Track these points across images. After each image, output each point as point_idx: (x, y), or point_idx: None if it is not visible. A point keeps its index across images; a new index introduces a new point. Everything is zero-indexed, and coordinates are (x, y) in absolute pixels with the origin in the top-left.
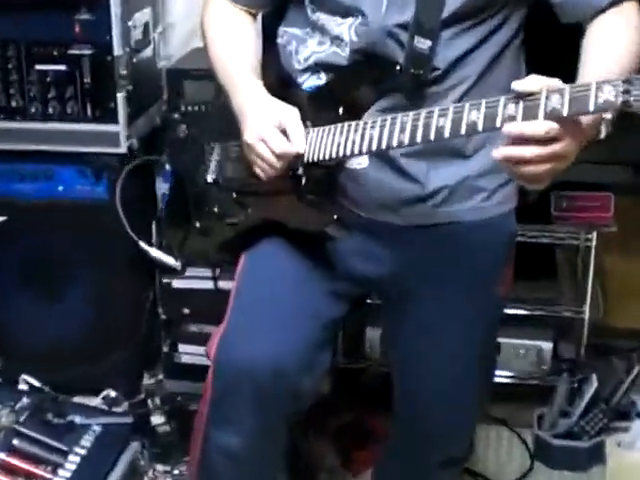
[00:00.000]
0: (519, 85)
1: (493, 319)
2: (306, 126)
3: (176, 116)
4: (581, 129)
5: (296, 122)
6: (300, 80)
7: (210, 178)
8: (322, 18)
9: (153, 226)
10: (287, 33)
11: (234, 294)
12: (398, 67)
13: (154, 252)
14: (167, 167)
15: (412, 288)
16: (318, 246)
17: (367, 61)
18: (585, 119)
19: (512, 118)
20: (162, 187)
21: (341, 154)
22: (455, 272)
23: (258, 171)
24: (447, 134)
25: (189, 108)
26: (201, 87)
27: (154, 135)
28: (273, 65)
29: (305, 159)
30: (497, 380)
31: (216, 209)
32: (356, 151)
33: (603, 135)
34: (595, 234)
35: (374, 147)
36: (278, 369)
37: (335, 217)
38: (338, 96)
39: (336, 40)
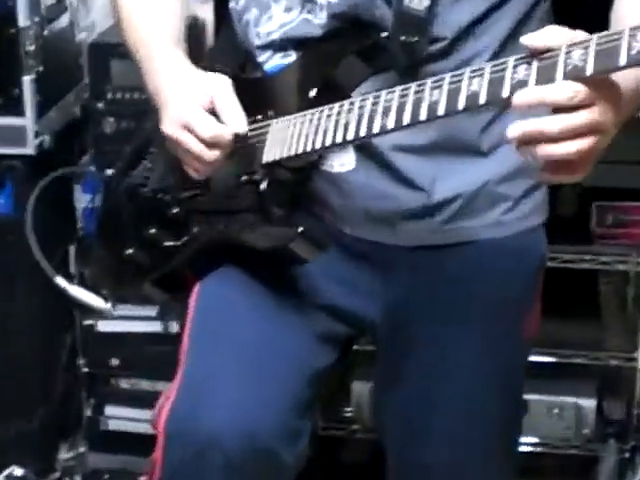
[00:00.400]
0: (531, 39)
1: (517, 369)
2: (268, 117)
3: (101, 105)
4: (618, 92)
5: (228, 94)
6: (260, 59)
7: (149, 191)
8: None
9: (71, 250)
10: None
11: (187, 342)
12: (385, 34)
13: (75, 290)
14: (89, 174)
15: (412, 330)
16: (291, 274)
17: (348, 29)
18: (622, 77)
19: (523, 83)
20: (83, 199)
21: (309, 148)
22: (468, 308)
23: (190, 171)
24: (442, 111)
25: (118, 95)
26: (133, 67)
27: (72, 130)
28: (226, 38)
29: (264, 159)
30: (523, 449)
31: (153, 230)
32: (327, 143)
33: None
34: None
35: (350, 136)
36: (251, 441)
37: (300, 230)
38: (310, 76)
39: (308, 4)
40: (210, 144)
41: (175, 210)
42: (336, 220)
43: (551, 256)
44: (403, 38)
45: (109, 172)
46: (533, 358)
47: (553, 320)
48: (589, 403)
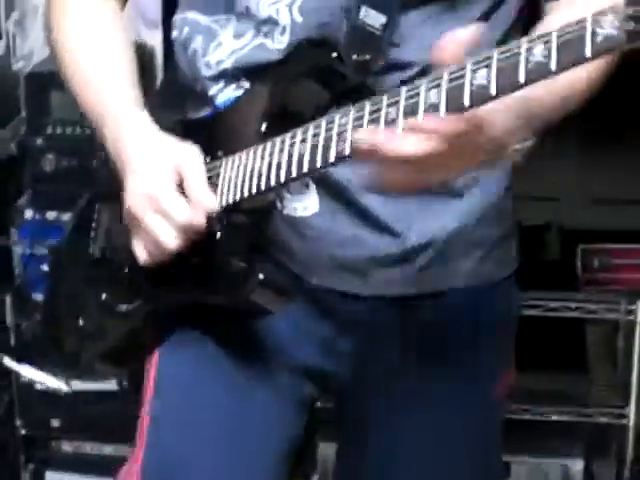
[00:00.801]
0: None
1: (493, 427)
2: (217, 157)
3: (39, 141)
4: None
5: (198, 171)
6: (212, 92)
7: (97, 251)
8: None
9: (7, 300)
10: (187, 22)
11: (148, 421)
12: (335, 54)
13: (28, 372)
14: (27, 216)
15: (381, 390)
16: (256, 332)
17: (309, 52)
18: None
19: (435, 107)
20: (20, 244)
21: (263, 187)
22: (441, 366)
23: (142, 254)
24: (400, 130)
25: (58, 130)
26: (75, 100)
27: (8, 169)
28: (173, 71)
29: (218, 203)
30: None
31: (105, 295)
32: (282, 178)
33: (512, 160)
34: None
35: (305, 168)
36: None
37: (260, 277)
38: (261, 108)
39: (265, 26)
40: (181, 229)
41: (126, 270)
42: (300, 269)
43: (535, 304)
44: (355, 57)
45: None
46: (514, 415)
47: (536, 373)
48: (577, 465)
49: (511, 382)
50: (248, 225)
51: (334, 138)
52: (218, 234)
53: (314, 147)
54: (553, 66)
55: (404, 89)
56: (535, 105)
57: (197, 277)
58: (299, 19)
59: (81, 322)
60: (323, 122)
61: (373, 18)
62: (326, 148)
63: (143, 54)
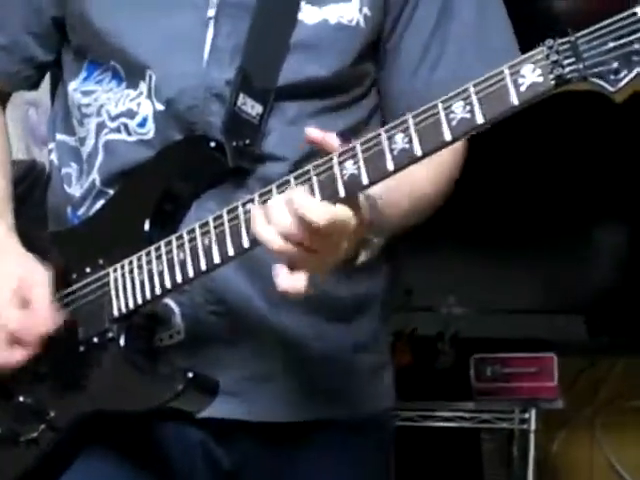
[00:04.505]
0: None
1: None
2: (99, 266)
3: None
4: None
5: (45, 292)
6: (80, 212)
7: None
8: (97, 91)
9: None
10: (58, 145)
11: None
12: (213, 143)
13: None
14: None
15: None
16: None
17: (185, 144)
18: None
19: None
20: None
21: (148, 296)
22: None
23: None
24: (246, 244)
25: None
26: None
27: None
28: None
29: (115, 312)
30: None
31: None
32: (168, 285)
33: (361, 260)
34: (534, 412)
35: (191, 273)
36: None
37: (190, 375)
38: (140, 206)
39: (114, 122)
40: (14, 338)
41: (21, 398)
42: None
43: (428, 414)
44: (235, 144)
45: None
46: None
47: None
48: None
49: None
50: (148, 326)
51: (214, 240)
52: (122, 340)
53: (194, 251)
54: (365, 180)
55: (275, 186)
56: (384, 203)
57: (111, 390)
58: (160, 106)
59: None
60: (196, 227)
61: (250, 107)
62: (208, 251)
63: (33, 170)
